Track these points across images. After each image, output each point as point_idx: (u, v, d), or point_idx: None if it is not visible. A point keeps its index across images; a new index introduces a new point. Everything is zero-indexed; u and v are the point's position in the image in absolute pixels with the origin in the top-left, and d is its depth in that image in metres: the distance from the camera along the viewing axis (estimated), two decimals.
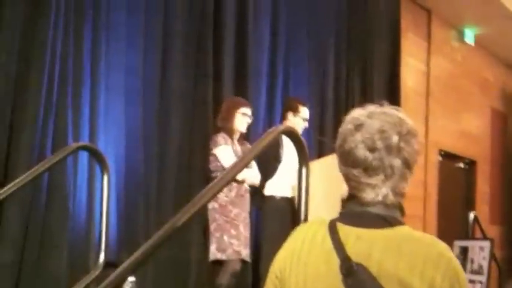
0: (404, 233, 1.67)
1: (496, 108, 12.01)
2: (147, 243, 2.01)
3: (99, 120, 5.19)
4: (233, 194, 5.19)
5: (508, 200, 12.04)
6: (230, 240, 5.08)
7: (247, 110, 5.43)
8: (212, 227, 5.16)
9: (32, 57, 4.77)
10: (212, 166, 5.29)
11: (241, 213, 5.21)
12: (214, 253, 5.11)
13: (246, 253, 5.17)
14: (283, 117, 5.94)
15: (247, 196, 5.38)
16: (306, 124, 5.92)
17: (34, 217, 4.71)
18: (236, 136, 5.39)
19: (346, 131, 1.73)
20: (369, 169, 1.68)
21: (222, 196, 5.12)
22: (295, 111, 5.86)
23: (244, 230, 5.20)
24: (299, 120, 5.81)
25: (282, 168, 5.71)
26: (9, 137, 4.61)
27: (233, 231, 5.10)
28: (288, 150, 5.63)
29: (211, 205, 5.15)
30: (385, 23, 8.67)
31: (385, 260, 1.61)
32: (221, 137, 5.23)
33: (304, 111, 5.89)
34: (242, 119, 5.38)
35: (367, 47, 8.36)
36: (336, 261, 1.65)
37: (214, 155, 5.24)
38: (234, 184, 5.19)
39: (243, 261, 5.23)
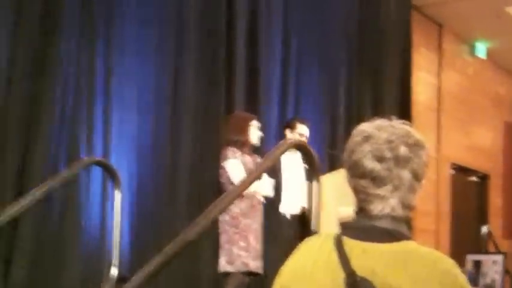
0: (411, 248, 1.65)
1: (509, 121, 11.97)
2: (156, 258, 2.02)
3: (112, 134, 5.22)
4: (243, 205, 5.19)
5: None
6: (239, 252, 5.08)
7: (257, 123, 5.49)
8: (222, 238, 5.16)
9: (46, 73, 4.82)
10: (223, 178, 5.31)
11: (252, 224, 5.20)
12: (223, 265, 5.11)
13: (255, 265, 5.16)
14: (283, 135, 6.01)
15: (260, 207, 5.37)
16: (304, 139, 5.94)
17: (48, 232, 4.73)
18: (247, 149, 5.42)
19: (354, 143, 1.73)
20: (376, 179, 1.68)
21: (233, 208, 5.13)
22: (292, 128, 5.96)
23: (254, 242, 5.18)
24: (295, 135, 5.87)
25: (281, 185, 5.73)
26: (24, 152, 4.64)
27: (242, 243, 5.10)
28: (287, 167, 5.68)
29: (222, 217, 5.16)
30: (396, 37, 8.68)
31: (390, 275, 1.59)
32: (230, 151, 5.25)
33: (301, 128, 5.97)
34: (255, 131, 5.44)
35: (379, 61, 8.37)
36: (341, 276, 1.63)
37: (224, 168, 5.26)
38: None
39: (255, 274, 5.22)
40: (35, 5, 4.80)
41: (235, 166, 5.20)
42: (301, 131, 5.96)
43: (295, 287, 1.72)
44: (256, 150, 5.62)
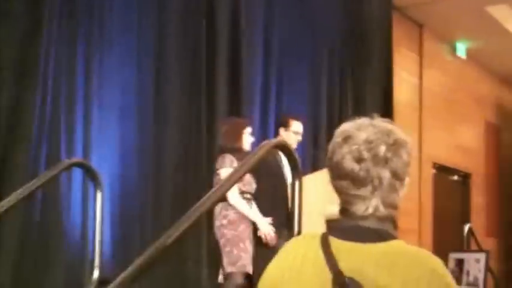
0: (398, 247, 1.65)
1: (490, 121, 12.05)
2: (138, 259, 2.01)
3: (92, 137, 5.20)
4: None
5: (503, 212, 12.05)
6: (239, 253, 5.09)
7: (250, 129, 5.46)
8: (221, 242, 5.15)
9: (26, 75, 4.79)
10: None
11: (247, 230, 5.21)
12: (226, 267, 5.11)
13: (250, 268, 5.17)
14: (276, 133, 5.91)
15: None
16: (299, 138, 5.86)
17: (29, 235, 4.70)
18: (241, 156, 5.38)
19: (334, 144, 1.72)
20: (356, 180, 1.67)
21: (231, 213, 5.13)
22: (286, 125, 5.82)
23: (249, 245, 5.20)
24: (290, 134, 5.76)
25: None
26: (3, 155, 4.61)
27: (241, 245, 5.11)
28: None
29: (220, 222, 5.15)
30: (377, 37, 8.69)
31: (378, 275, 1.59)
32: (228, 159, 5.21)
33: (296, 125, 5.84)
34: (248, 138, 5.41)
35: (360, 62, 8.39)
36: (328, 276, 1.63)
37: (219, 175, 5.22)
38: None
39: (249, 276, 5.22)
40: (15, 8, 4.76)
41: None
42: (296, 129, 5.82)
43: None
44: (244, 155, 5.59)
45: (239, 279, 5.10)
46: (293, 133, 5.77)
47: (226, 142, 5.31)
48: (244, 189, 5.19)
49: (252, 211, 5.20)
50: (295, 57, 7.46)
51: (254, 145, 5.93)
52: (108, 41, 5.45)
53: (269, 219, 5.30)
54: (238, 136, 5.33)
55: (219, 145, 5.43)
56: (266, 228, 5.27)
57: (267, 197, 5.42)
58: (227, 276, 5.12)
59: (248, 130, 5.41)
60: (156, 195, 5.67)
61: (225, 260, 5.11)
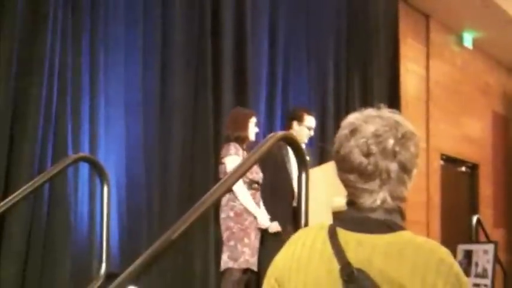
0: (406, 238, 1.65)
1: (497, 111, 12.01)
2: (145, 254, 2.01)
3: (99, 132, 5.21)
4: None
5: None
6: (243, 249, 5.08)
7: (256, 120, 5.46)
8: (225, 235, 5.14)
9: (31, 70, 4.79)
10: (222, 174, 5.27)
11: (254, 222, 5.21)
12: (226, 262, 5.10)
13: (252, 261, 5.16)
14: (288, 126, 5.85)
15: (261, 205, 5.36)
16: (312, 133, 5.84)
17: (36, 230, 4.71)
18: (246, 145, 5.39)
19: (341, 137, 1.71)
20: (364, 174, 1.66)
21: (237, 204, 5.12)
22: (299, 119, 5.77)
23: (255, 239, 5.19)
24: (304, 128, 5.72)
25: None
26: (10, 150, 4.62)
27: (246, 240, 5.11)
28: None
29: (226, 214, 5.15)
30: (384, 28, 8.68)
31: (386, 265, 1.60)
32: (233, 147, 5.22)
33: (309, 120, 5.80)
34: (253, 128, 5.40)
35: (367, 53, 8.36)
36: (336, 267, 1.64)
37: (224, 164, 5.22)
38: (250, 192, 5.20)
39: (251, 270, 5.21)
40: (19, 4, 4.76)
41: (235, 163, 5.15)
42: (310, 124, 5.76)
43: (289, 279, 1.72)
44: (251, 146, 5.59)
45: (237, 276, 5.10)
46: (306, 128, 5.74)
47: (232, 131, 5.31)
48: (251, 177, 5.17)
49: (252, 203, 5.18)
50: (301, 48, 7.44)
51: (260, 137, 5.94)
52: (113, 35, 5.44)
53: (267, 216, 5.31)
54: (244, 125, 5.33)
55: (225, 134, 5.43)
56: (265, 223, 5.27)
57: (269, 189, 5.42)
58: (225, 271, 5.11)
59: (253, 120, 5.41)
60: (162, 190, 5.68)
61: (227, 254, 5.10)
